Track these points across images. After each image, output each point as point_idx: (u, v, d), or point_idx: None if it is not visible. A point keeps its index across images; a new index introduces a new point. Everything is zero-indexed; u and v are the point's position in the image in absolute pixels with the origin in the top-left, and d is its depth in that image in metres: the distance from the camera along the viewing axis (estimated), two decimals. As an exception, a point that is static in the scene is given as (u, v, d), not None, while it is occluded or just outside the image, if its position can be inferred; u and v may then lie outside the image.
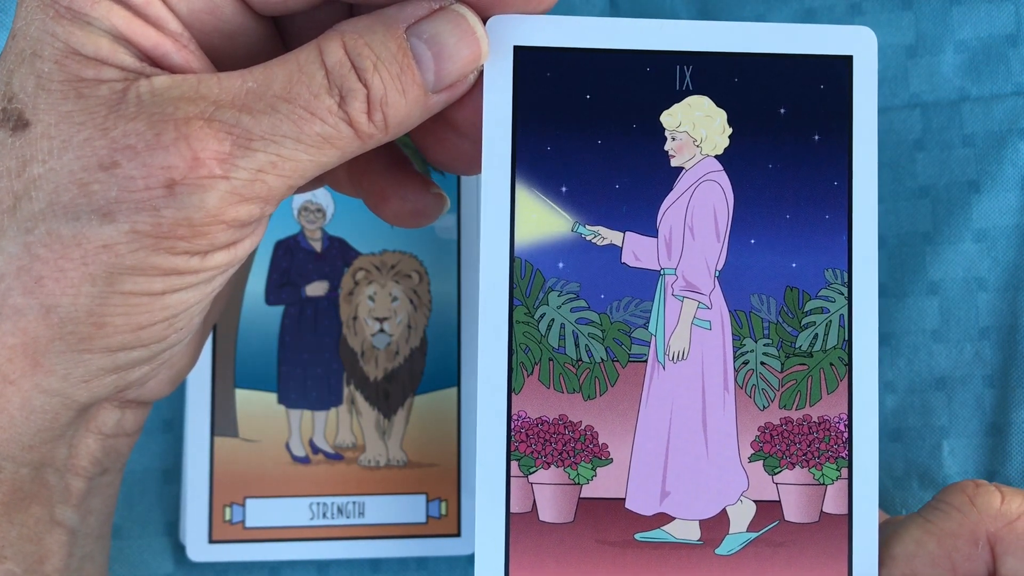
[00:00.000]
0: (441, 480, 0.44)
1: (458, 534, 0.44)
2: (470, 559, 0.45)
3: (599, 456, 0.30)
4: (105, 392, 0.29)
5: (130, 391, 0.32)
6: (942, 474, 0.43)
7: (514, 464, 0.30)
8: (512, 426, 0.30)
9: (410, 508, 0.44)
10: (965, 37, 0.43)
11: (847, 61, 0.30)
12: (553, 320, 0.30)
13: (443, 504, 0.44)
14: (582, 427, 0.30)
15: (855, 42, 0.30)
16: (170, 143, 0.26)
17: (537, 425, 0.30)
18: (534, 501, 0.30)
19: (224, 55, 0.29)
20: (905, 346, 0.43)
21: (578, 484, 0.30)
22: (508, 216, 0.30)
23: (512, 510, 0.30)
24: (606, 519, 0.30)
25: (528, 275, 0.30)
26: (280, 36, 0.31)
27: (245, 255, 0.29)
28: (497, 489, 0.30)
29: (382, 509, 0.44)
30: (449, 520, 0.44)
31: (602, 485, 0.30)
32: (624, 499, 0.30)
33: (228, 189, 0.27)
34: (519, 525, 0.30)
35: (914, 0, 0.44)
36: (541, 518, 0.30)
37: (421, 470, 0.44)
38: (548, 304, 0.30)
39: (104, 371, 0.29)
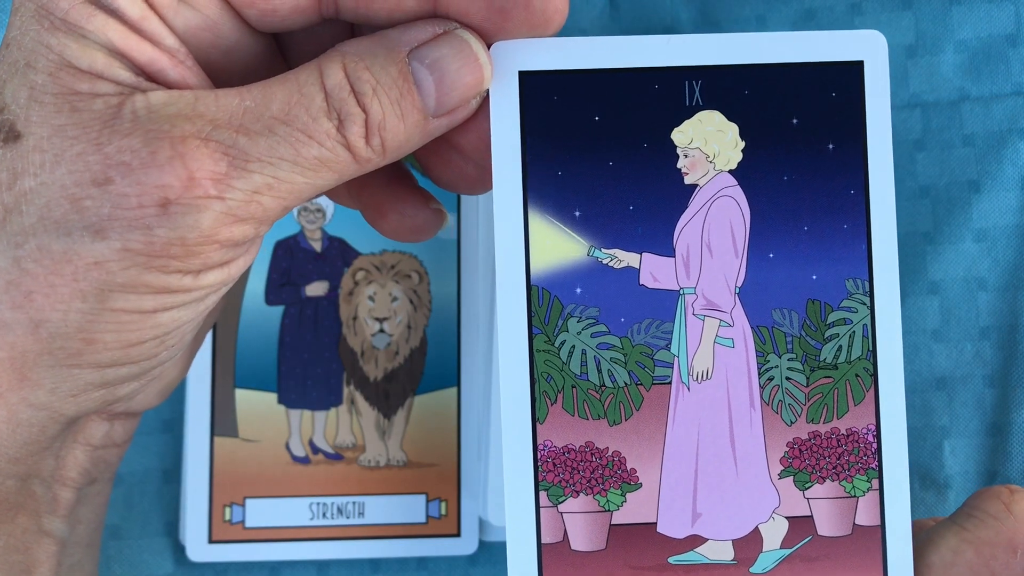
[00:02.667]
0: (441, 480, 0.44)
1: (458, 534, 0.44)
2: (470, 559, 0.45)
3: (628, 481, 0.30)
4: (93, 406, 0.29)
5: (118, 404, 0.31)
6: (943, 474, 0.43)
7: (543, 494, 0.30)
8: (539, 456, 0.30)
9: (410, 508, 0.44)
10: (965, 37, 0.43)
11: (858, 67, 0.30)
12: (574, 346, 0.30)
13: (443, 504, 0.44)
14: (609, 453, 0.30)
15: (865, 47, 0.30)
16: (165, 161, 0.26)
17: (564, 454, 0.30)
18: (565, 530, 0.30)
19: (222, 71, 0.29)
20: (906, 346, 0.43)
21: (608, 511, 0.30)
22: (523, 244, 0.30)
23: (543, 541, 0.30)
24: (638, 545, 0.30)
25: (546, 302, 0.30)
26: (280, 52, 0.31)
27: (239, 273, 0.29)
28: (527, 520, 0.30)
29: (382, 509, 0.44)
30: (449, 520, 0.44)
31: (633, 510, 0.30)
32: (655, 523, 0.30)
33: (223, 210, 0.26)
34: (551, 555, 0.30)
35: (914, 0, 0.43)
36: (573, 547, 0.30)
37: (421, 470, 0.44)
38: (568, 331, 0.30)
39: (92, 386, 0.28)
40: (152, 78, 0.27)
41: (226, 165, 0.26)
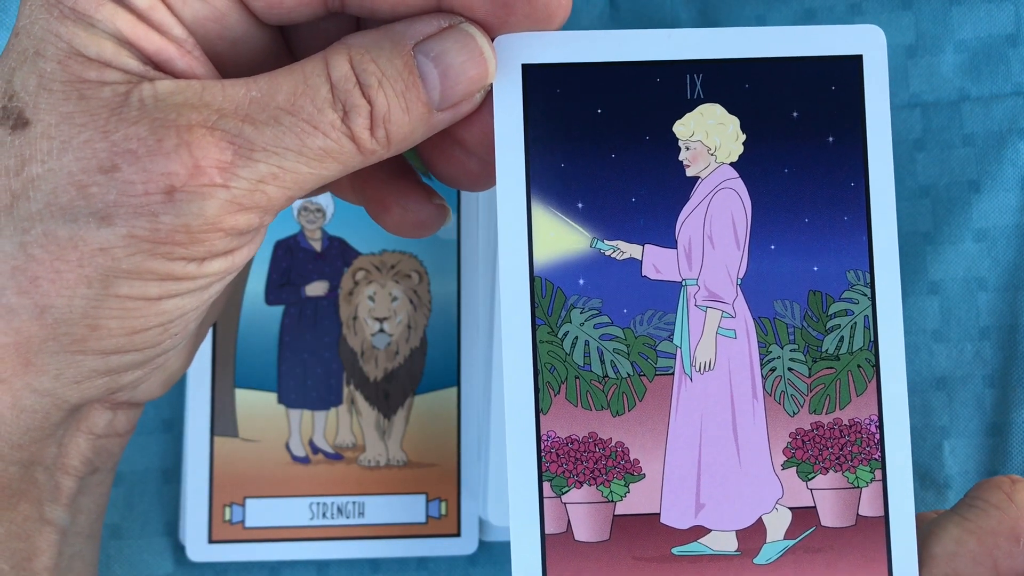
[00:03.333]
0: (441, 480, 0.44)
1: (458, 534, 0.44)
2: (470, 559, 0.45)
3: (631, 472, 0.30)
4: (96, 393, 0.29)
5: (122, 393, 0.31)
6: (943, 474, 0.43)
7: (546, 485, 0.30)
8: (542, 447, 0.30)
9: (410, 508, 0.44)
10: (965, 37, 0.43)
11: (857, 61, 0.30)
12: (577, 338, 0.30)
13: (443, 504, 0.44)
14: (612, 444, 0.30)
15: (864, 41, 0.30)
16: (171, 149, 0.26)
17: (567, 444, 0.30)
18: (568, 521, 0.30)
19: (229, 61, 0.29)
20: (906, 346, 0.43)
21: (612, 501, 0.30)
22: (526, 235, 0.30)
23: (547, 531, 0.30)
24: (642, 535, 0.30)
25: (549, 294, 0.30)
26: (287, 46, 0.31)
27: (243, 263, 0.29)
28: (531, 511, 0.30)
29: (382, 509, 0.44)
30: (449, 520, 0.44)
31: (636, 501, 0.30)
32: (659, 514, 0.30)
33: (227, 198, 0.26)
34: (554, 546, 0.30)
35: (914, 0, 0.44)
36: (576, 538, 0.30)
37: (421, 470, 0.44)
38: (571, 322, 0.30)
39: (96, 373, 0.29)
40: (160, 67, 0.28)
41: (231, 154, 0.26)
